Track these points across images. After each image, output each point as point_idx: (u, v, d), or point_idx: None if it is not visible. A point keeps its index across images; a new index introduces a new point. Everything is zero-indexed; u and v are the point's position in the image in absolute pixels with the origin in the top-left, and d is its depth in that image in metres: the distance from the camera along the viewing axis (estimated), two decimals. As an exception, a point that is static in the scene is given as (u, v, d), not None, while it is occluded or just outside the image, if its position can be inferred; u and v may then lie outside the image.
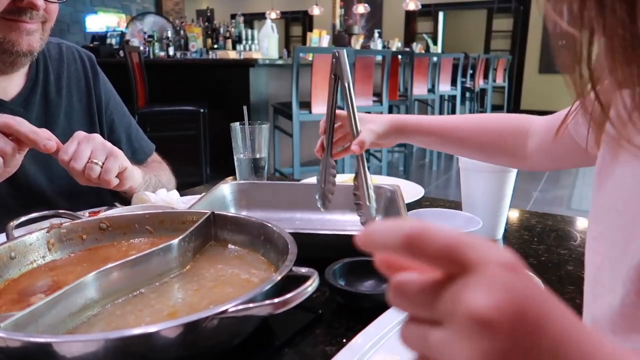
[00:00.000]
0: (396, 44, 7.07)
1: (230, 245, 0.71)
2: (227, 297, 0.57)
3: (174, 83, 4.07)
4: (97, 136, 0.87)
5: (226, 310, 0.45)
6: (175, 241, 0.64)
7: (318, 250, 0.67)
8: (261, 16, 8.67)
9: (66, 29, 6.07)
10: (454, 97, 5.64)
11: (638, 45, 0.30)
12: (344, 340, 0.56)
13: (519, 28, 9.36)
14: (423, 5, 8.48)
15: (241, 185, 1.03)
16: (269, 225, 0.67)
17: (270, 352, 0.56)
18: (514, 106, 9.25)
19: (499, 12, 9.67)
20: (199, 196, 0.96)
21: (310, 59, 3.50)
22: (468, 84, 5.92)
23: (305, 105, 3.33)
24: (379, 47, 6.49)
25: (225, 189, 1.01)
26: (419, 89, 4.79)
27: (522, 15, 9.25)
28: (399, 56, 4.58)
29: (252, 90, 3.77)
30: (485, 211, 0.90)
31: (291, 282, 0.50)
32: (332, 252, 0.70)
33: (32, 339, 0.43)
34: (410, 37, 9.93)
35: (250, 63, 3.80)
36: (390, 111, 4.66)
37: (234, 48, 5.21)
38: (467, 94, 5.99)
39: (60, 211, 0.76)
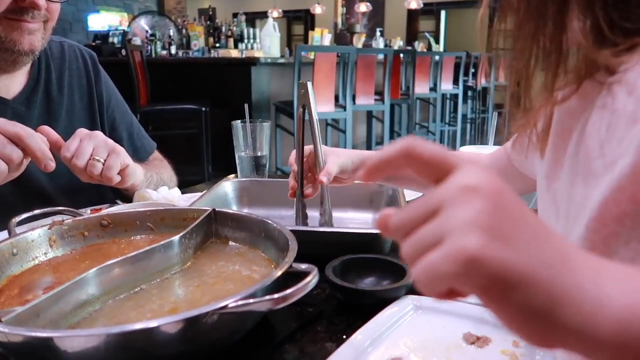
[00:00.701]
0: (398, 43, 7.07)
1: (231, 242, 0.72)
2: (228, 294, 0.57)
3: (175, 82, 4.07)
4: (99, 133, 0.87)
5: (226, 305, 0.45)
6: (176, 238, 0.64)
7: (318, 247, 0.67)
8: (263, 15, 8.66)
9: (68, 28, 6.07)
10: (455, 96, 5.63)
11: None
12: (344, 337, 0.57)
13: (521, 26, 9.34)
14: (425, 4, 8.46)
15: (242, 182, 1.04)
16: (270, 222, 0.67)
17: (270, 348, 0.56)
18: (516, 105, 9.21)
19: (502, 11, 9.64)
20: (200, 194, 0.97)
21: (312, 57, 3.50)
22: (470, 83, 5.90)
23: (307, 103, 3.33)
24: (381, 45, 6.49)
25: (227, 186, 1.02)
26: (421, 88, 4.79)
27: (524, 14, 9.22)
28: (401, 55, 4.57)
29: (254, 89, 3.77)
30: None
31: (291, 278, 0.51)
32: (333, 249, 0.71)
33: (33, 334, 0.43)
34: (412, 35, 9.92)
35: (252, 62, 3.80)
36: (392, 110, 4.66)
37: (235, 47, 5.21)
38: (469, 93, 5.97)
39: (62, 208, 0.76)
